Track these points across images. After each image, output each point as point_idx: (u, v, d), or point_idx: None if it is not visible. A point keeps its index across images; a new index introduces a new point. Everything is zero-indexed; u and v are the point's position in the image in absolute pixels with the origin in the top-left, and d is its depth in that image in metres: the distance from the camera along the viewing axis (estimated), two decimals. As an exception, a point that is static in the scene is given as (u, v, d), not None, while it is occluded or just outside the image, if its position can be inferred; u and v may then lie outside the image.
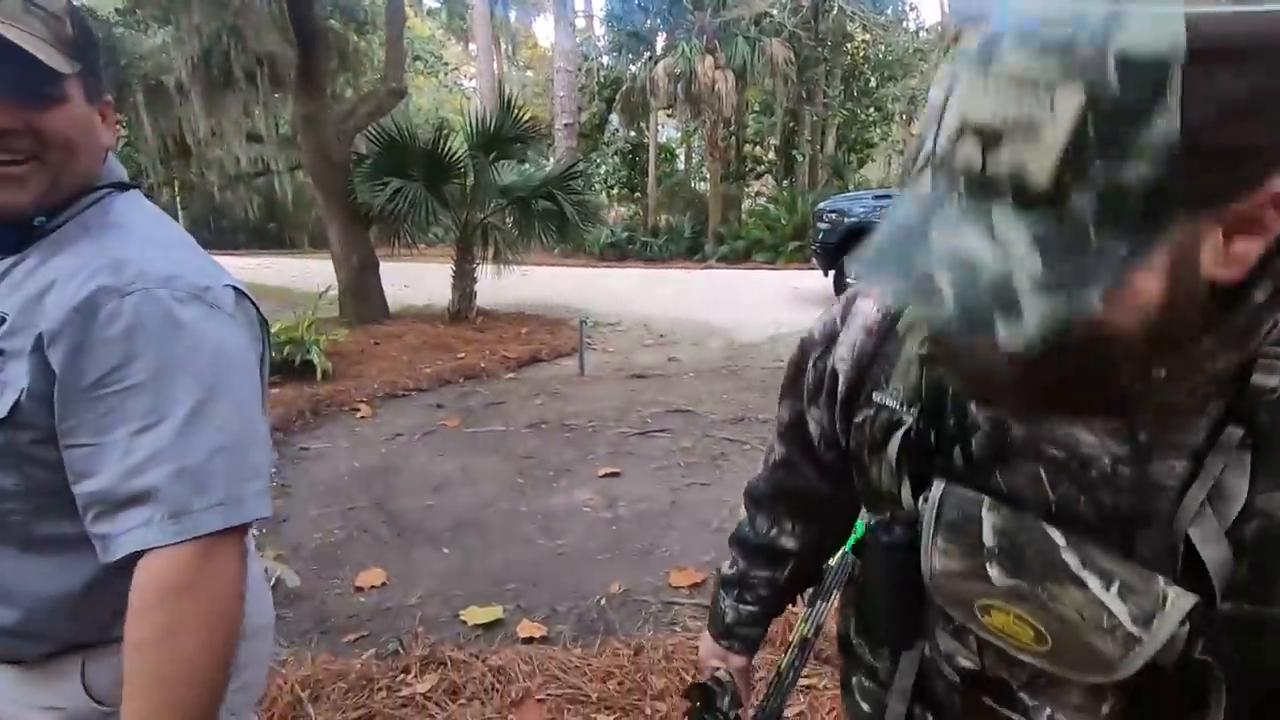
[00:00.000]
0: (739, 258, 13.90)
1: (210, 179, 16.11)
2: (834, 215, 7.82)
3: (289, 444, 4.02)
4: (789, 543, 0.80)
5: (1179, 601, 0.42)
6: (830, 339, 0.65)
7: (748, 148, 18.28)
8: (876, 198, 7.92)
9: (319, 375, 5.01)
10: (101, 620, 0.72)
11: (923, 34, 16.50)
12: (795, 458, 0.74)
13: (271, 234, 20.69)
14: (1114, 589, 0.43)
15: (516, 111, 6.90)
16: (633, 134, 18.58)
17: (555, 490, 3.35)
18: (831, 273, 7.83)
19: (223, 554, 0.66)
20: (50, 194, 0.70)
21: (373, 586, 2.50)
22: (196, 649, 0.64)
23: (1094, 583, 0.44)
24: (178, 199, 17.66)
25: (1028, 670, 0.51)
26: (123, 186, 0.77)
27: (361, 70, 13.85)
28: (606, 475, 3.46)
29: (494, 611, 2.31)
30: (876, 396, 0.58)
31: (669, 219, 16.93)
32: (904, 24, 15.54)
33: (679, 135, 19.98)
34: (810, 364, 0.67)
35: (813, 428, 0.69)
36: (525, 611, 2.35)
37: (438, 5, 22.41)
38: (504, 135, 6.86)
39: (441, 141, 6.72)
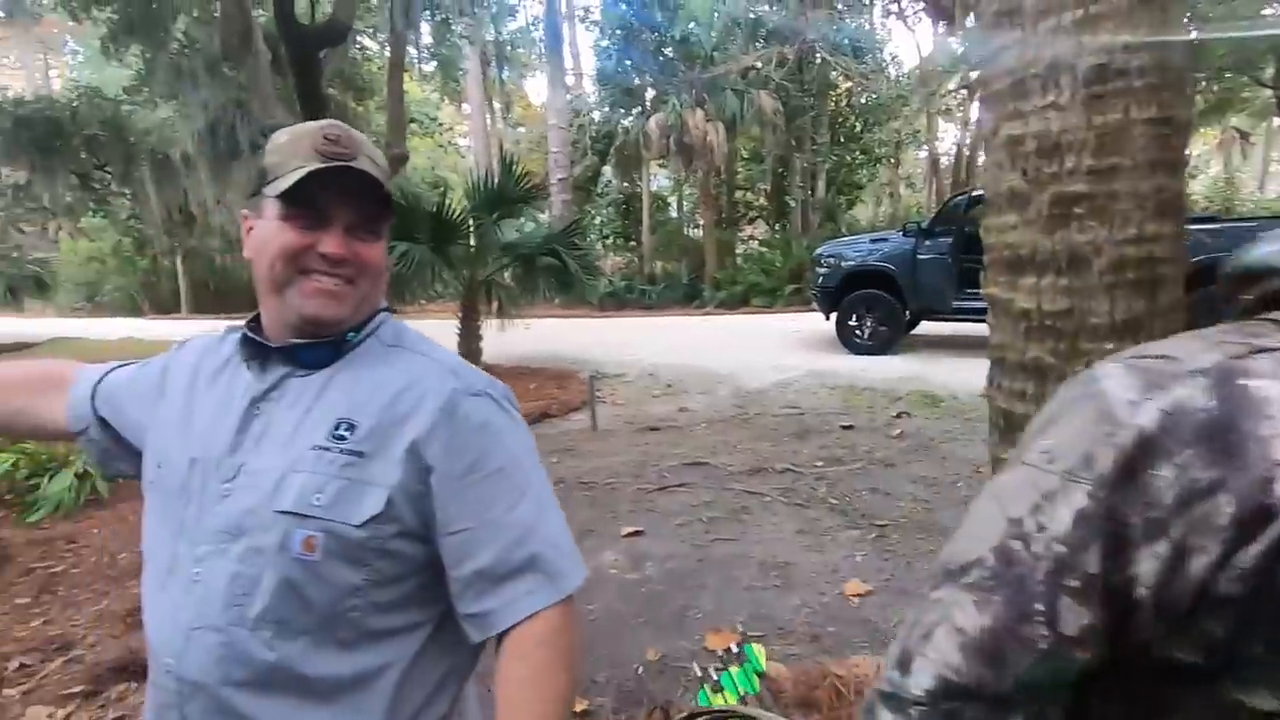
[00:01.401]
0: (737, 302, 14.06)
1: (211, 245, 16.31)
2: (832, 259, 7.95)
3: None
4: None
5: None
6: (1207, 435, 0.42)
7: (739, 194, 18.69)
8: (873, 241, 8.07)
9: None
10: (412, 708, 0.78)
11: (902, 80, 17.09)
12: (1095, 624, 0.46)
13: (271, 295, 20.82)
14: None
15: (518, 172, 7.07)
16: (625, 185, 18.99)
17: (580, 553, 3.31)
18: (833, 316, 7.93)
19: (573, 606, 0.77)
20: (356, 314, 0.82)
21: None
22: (563, 683, 0.74)
23: None
24: (179, 265, 17.85)
25: None
26: (389, 310, 0.88)
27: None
28: (630, 535, 3.44)
29: (531, 685, 2.27)
30: None
31: (665, 266, 17.18)
32: (885, 71, 16.08)
33: (670, 184, 20.45)
34: (1160, 469, 0.43)
35: (1145, 570, 0.44)
36: (563, 684, 2.30)
37: (431, 69, 23.06)
38: (506, 196, 7.01)
39: (446, 204, 6.86)
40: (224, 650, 0.74)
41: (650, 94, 14.59)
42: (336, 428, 0.75)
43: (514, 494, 0.76)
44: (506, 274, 7.67)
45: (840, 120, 16.48)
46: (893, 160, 18.37)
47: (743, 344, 9.18)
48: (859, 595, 2.74)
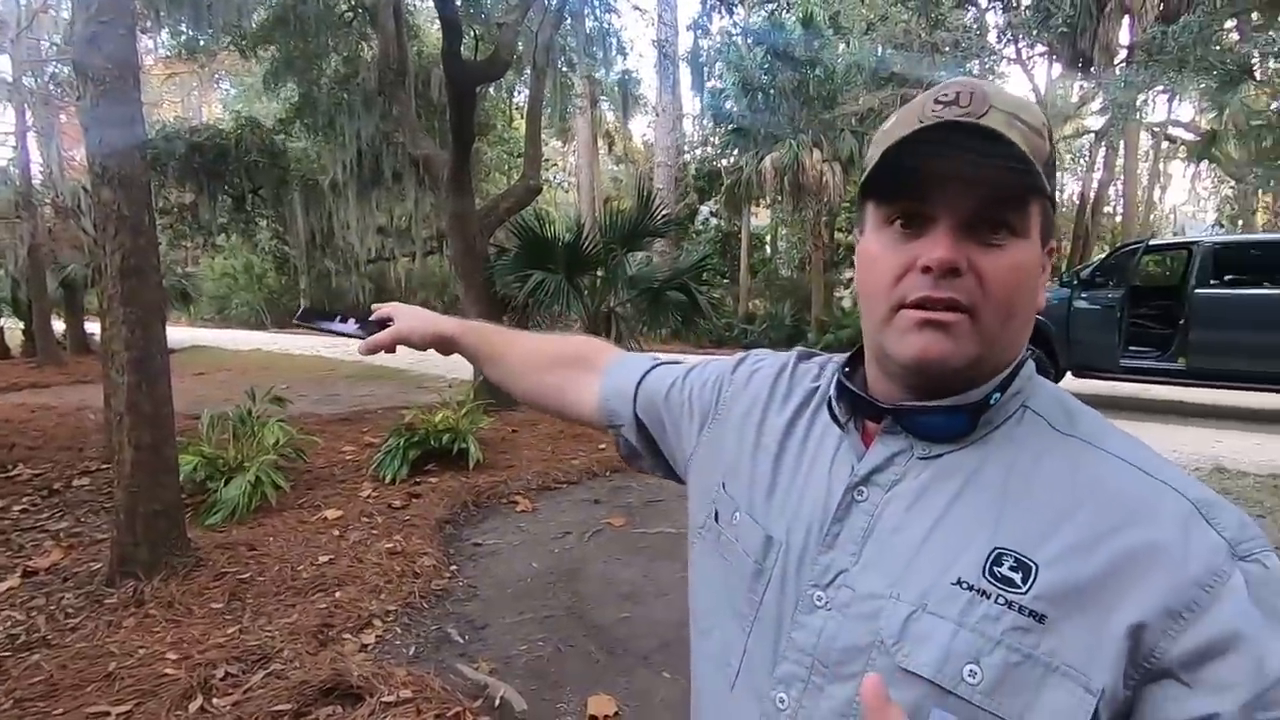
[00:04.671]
0: (844, 346, 13.58)
1: (330, 266, 17.30)
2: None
3: (459, 538, 3.97)
4: None
5: None
6: None
7: (839, 235, 18.36)
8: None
9: (471, 464, 5.01)
10: None
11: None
12: None
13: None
14: None
15: (654, 208, 7.11)
16: (721, 223, 18.99)
17: None
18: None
19: None
20: (983, 362, 0.53)
21: (607, 716, 2.31)
22: None
23: None
24: (302, 284, 19.02)
25: None
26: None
27: (479, 171, 14.89)
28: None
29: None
30: None
31: (765, 306, 16.97)
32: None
33: (766, 224, 20.32)
34: None
35: None
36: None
37: (547, 109, 24.13)
38: (642, 229, 7.04)
39: (583, 236, 6.96)
40: None
41: (762, 133, 14.59)
42: (996, 561, 0.49)
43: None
44: (631, 308, 7.69)
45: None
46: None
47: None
48: None
